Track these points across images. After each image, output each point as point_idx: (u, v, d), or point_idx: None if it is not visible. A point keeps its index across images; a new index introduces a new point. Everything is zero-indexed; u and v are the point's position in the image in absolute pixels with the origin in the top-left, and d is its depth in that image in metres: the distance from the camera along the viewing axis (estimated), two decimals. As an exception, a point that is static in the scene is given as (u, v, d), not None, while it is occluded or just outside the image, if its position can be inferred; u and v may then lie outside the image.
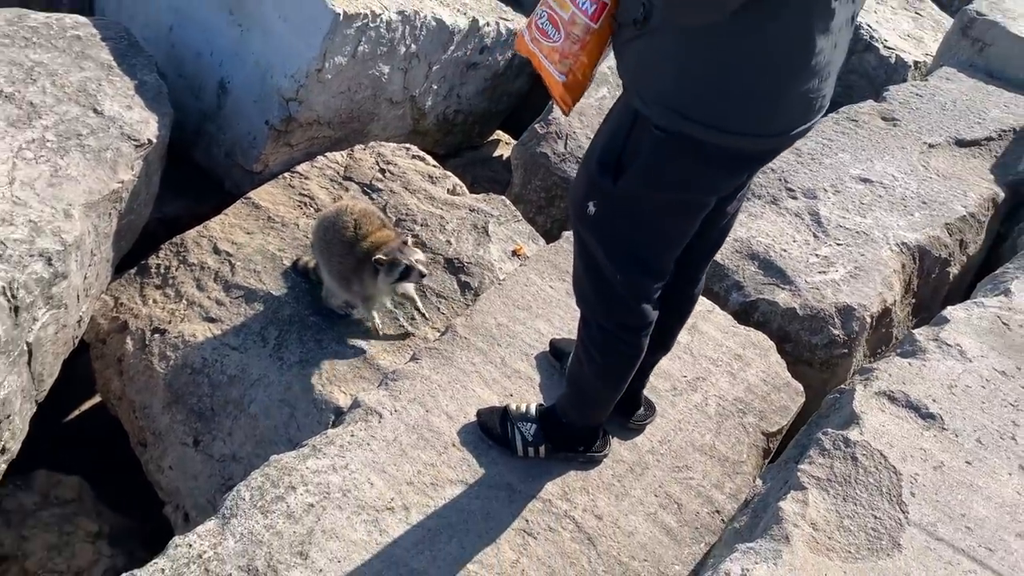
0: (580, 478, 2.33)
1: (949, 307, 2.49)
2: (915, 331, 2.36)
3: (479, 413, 2.42)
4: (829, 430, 2.00)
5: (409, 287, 2.91)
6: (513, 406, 2.37)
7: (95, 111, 2.99)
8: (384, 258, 2.68)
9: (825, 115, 1.65)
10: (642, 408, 2.49)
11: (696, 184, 1.70)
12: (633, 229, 1.79)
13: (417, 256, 2.73)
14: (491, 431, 2.36)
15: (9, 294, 2.40)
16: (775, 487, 2.02)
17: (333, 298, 2.94)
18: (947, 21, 5.36)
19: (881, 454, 1.92)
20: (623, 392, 2.18)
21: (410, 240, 2.81)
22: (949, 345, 2.27)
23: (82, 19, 3.33)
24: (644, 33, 1.56)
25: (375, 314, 2.89)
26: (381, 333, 2.89)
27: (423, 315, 2.97)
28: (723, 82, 1.53)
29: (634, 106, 1.65)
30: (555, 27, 1.72)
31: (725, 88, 1.53)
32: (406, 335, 2.92)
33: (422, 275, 2.70)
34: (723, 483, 2.41)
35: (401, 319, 2.95)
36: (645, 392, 2.49)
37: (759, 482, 2.17)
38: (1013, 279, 2.59)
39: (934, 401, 2.08)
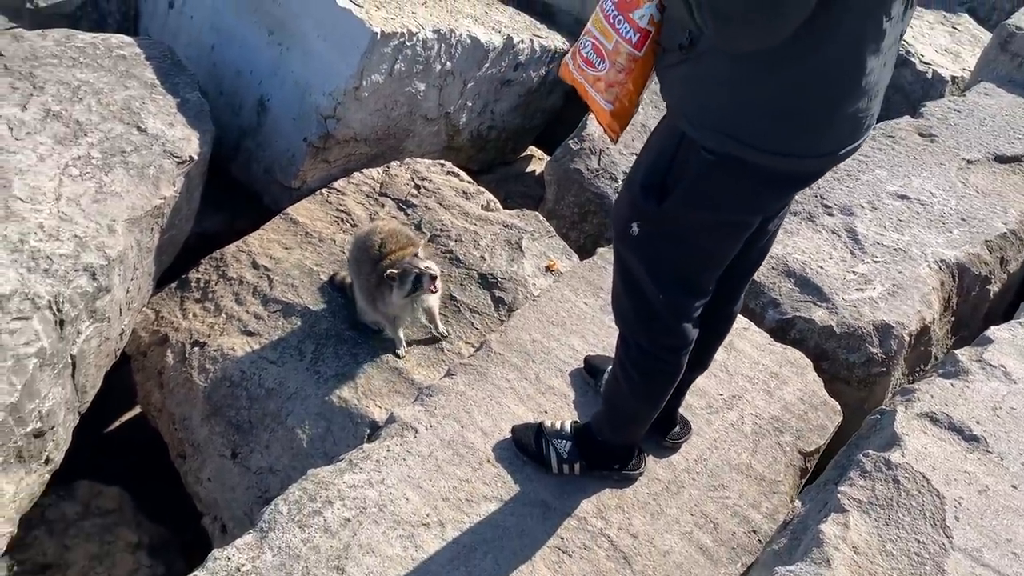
0: (615, 496, 2.32)
1: (992, 327, 2.46)
2: (957, 352, 2.33)
3: (514, 429, 2.42)
4: (870, 451, 1.98)
5: (432, 303, 2.90)
6: (548, 423, 2.38)
7: (139, 129, 3.06)
8: (395, 271, 2.67)
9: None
10: (678, 426, 2.48)
11: (742, 205, 1.70)
12: (677, 250, 1.79)
13: (427, 264, 2.70)
14: (526, 447, 2.36)
15: (55, 307, 2.45)
16: (814, 509, 2.00)
17: (366, 315, 2.96)
18: (985, 36, 5.30)
19: (924, 477, 1.89)
20: (659, 410, 2.17)
21: (421, 251, 2.78)
22: (993, 366, 2.24)
23: (127, 39, 3.40)
24: (690, 58, 1.56)
25: (400, 335, 2.89)
26: (404, 353, 2.89)
27: (440, 335, 2.95)
28: (773, 104, 1.52)
29: (680, 128, 1.65)
30: (600, 56, 1.74)
31: (775, 110, 1.53)
32: (435, 340, 2.93)
33: (432, 278, 2.64)
34: (760, 503, 2.39)
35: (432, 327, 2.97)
36: (680, 410, 2.48)
37: (797, 503, 2.15)
38: (1057, 299, 2.56)
39: (978, 423, 2.05)
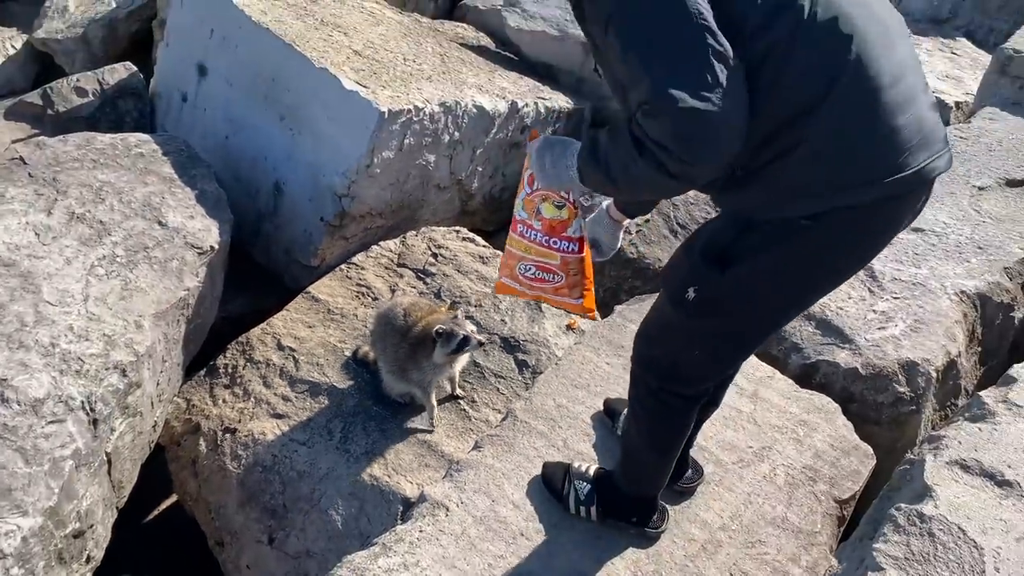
0: (652, 561, 2.32)
1: (1016, 365, 2.44)
2: (982, 393, 2.32)
3: (545, 465, 2.48)
4: (902, 505, 1.97)
5: (459, 367, 2.96)
6: (576, 464, 2.43)
7: (160, 223, 3.14)
8: (443, 328, 2.71)
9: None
10: (690, 470, 2.49)
11: (845, 262, 1.73)
12: (741, 317, 1.81)
13: (471, 327, 2.80)
14: (552, 485, 2.42)
15: (88, 408, 2.51)
16: (851, 567, 1.99)
17: (392, 388, 2.99)
18: (984, 58, 5.32)
19: (959, 528, 1.88)
20: (672, 463, 2.19)
21: (460, 313, 2.85)
22: (1019, 406, 2.23)
23: (144, 136, 3.51)
24: (748, 172, 1.63)
25: (434, 402, 2.91)
26: (438, 423, 2.92)
27: (456, 396, 3.01)
28: (835, 147, 1.57)
29: (764, 218, 1.68)
30: (550, 272, 2.01)
31: (841, 149, 1.57)
32: (454, 397, 2.98)
33: (480, 343, 2.74)
34: (799, 556, 2.37)
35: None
36: (712, 464, 2.48)
37: (835, 562, 2.13)
38: (1080, 330, 2.55)
39: (1009, 467, 2.04)
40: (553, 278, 2.02)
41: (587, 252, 2.04)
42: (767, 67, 1.53)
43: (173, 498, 3.42)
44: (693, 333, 1.87)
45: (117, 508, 2.71)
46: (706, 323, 1.84)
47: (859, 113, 1.56)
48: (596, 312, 2.11)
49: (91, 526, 2.51)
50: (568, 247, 1.99)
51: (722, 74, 1.45)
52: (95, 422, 2.53)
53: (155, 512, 3.53)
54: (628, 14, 1.51)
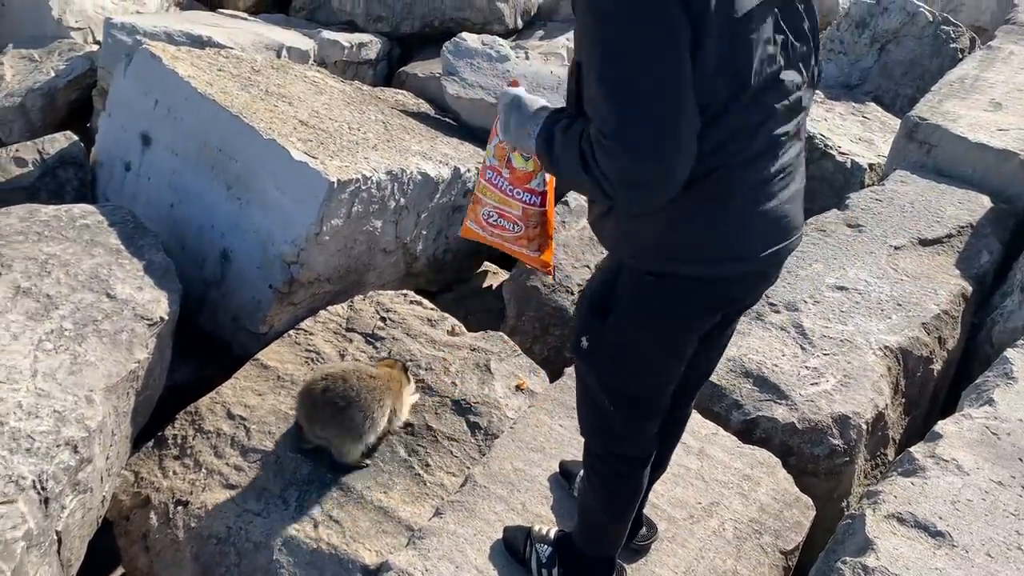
0: (613, 620, 2.39)
1: (940, 422, 2.63)
2: (911, 449, 2.49)
3: (505, 529, 2.53)
4: (848, 559, 2.10)
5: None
6: (537, 527, 2.49)
7: (108, 295, 3.13)
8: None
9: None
10: (644, 528, 2.58)
11: (679, 323, 1.83)
12: (622, 366, 1.91)
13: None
14: (514, 549, 2.48)
15: (39, 486, 2.47)
16: (804, 619, 2.10)
17: (350, 454, 3.01)
18: (893, 121, 5.70)
19: (900, 578, 2.02)
20: (628, 525, 2.26)
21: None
22: (946, 460, 2.40)
23: (89, 208, 3.50)
24: (613, 208, 1.75)
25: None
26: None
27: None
28: (700, 228, 1.69)
29: (620, 261, 1.82)
30: (511, 221, 2.03)
31: (703, 230, 1.69)
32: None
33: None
34: (749, 609, 2.48)
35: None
36: (664, 522, 2.57)
37: (789, 615, 2.24)
38: (994, 387, 2.75)
39: (940, 519, 2.19)
40: (513, 227, 2.03)
41: (550, 207, 2.05)
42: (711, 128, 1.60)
43: (119, 572, 3.33)
44: (598, 386, 1.96)
45: (65, 589, 2.66)
46: (601, 373, 1.93)
47: (745, 193, 1.70)
48: (552, 268, 2.13)
49: (39, 609, 2.46)
50: (530, 199, 2.00)
51: (684, 139, 1.51)
52: (46, 501, 2.49)
53: (100, 590, 3.43)
54: (616, 52, 1.47)
